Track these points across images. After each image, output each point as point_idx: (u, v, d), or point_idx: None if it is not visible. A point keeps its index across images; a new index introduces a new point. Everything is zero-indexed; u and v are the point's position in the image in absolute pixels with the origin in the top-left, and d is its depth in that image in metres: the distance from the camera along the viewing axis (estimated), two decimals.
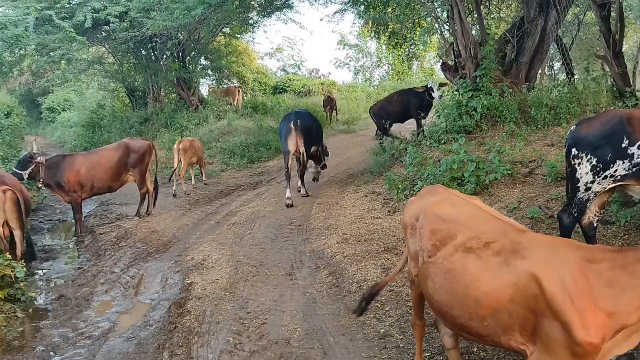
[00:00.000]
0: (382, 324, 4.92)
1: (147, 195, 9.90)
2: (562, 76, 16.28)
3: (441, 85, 12.51)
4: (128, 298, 6.23)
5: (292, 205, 9.44)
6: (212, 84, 26.25)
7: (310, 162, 10.52)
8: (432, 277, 3.20)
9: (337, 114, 20.86)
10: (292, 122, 9.45)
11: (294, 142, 9.36)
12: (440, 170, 8.17)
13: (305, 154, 9.56)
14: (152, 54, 21.31)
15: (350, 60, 31.79)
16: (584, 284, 2.58)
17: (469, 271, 2.97)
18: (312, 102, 22.55)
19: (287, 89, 27.14)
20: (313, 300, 5.58)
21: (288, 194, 9.58)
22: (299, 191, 10.27)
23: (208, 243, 7.90)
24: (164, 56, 21.32)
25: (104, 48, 21.77)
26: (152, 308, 5.86)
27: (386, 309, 5.21)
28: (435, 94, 12.23)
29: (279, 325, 5.06)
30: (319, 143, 10.41)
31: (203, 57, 23.67)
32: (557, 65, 20.19)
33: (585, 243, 5.35)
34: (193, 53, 22.25)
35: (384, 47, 30.24)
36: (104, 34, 19.73)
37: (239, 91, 22.22)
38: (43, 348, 5.04)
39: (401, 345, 4.51)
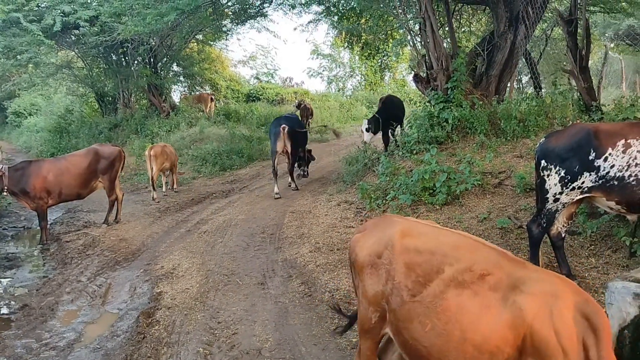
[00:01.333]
0: (354, 334, 4.89)
1: (116, 202, 9.71)
2: (531, 89, 16.67)
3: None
4: (95, 308, 6.08)
5: (279, 198, 10.56)
6: (184, 91, 26.03)
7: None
8: (420, 319, 2.78)
9: (309, 124, 20.89)
10: (282, 125, 10.43)
11: (282, 144, 10.34)
12: (412, 180, 8.24)
13: (291, 154, 10.55)
14: (123, 59, 21.03)
15: (323, 70, 31.94)
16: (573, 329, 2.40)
17: (467, 310, 2.62)
18: (286, 111, 22.53)
19: (260, 97, 27.06)
20: (285, 310, 5.54)
21: (276, 189, 10.70)
22: (290, 186, 11.34)
23: (178, 252, 7.79)
24: (135, 62, 21.06)
25: (73, 52, 21.39)
26: (120, 318, 5.73)
27: None
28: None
29: (250, 335, 5.01)
30: (304, 146, 11.57)
31: (175, 64, 23.44)
32: (525, 78, 20.69)
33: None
34: (165, 59, 22.02)
35: (357, 57, 30.49)
36: (73, 37, 19.40)
37: (211, 98, 22.06)
38: (5, 359, 4.87)
39: None
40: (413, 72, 12.14)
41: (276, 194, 10.54)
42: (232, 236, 8.34)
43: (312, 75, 32.01)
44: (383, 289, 3.03)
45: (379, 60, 30.03)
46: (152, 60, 20.83)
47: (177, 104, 22.75)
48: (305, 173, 12.37)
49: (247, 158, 15.37)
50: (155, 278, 6.77)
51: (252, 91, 27.81)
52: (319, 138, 19.55)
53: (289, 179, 11.33)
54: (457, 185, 7.96)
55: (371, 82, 30.03)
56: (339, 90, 31.50)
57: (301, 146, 11.29)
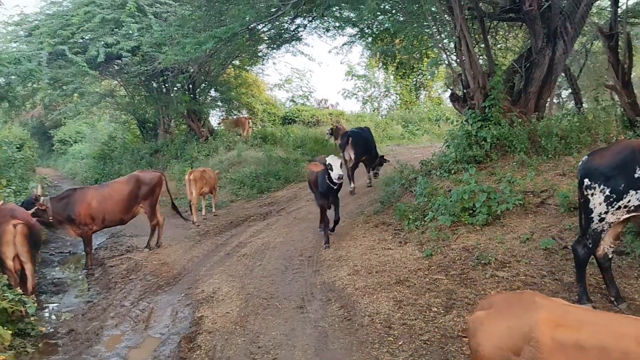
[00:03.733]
0: (395, 359, 4.83)
1: (157, 226, 9.91)
2: (571, 105, 16.32)
3: None
4: (138, 332, 6.18)
5: (354, 194, 12.46)
6: (224, 115, 26.51)
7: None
8: None
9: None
10: (347, 137, 12.31)
11: (348, 153, 12.14)
12: (451, 201, 8.13)
13: (354, 160, 12.21)
14: (163, 86, 21.64)
15: (358, 91, 32.06)
16: None
17: None
18: (321, 132, 22.67)
19: (296, 119, 27.34)
20: (325, 334, 5.51)
21: (351, 186, 12.57)
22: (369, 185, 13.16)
23: (218, 275, 7.86)
24: (175, 88, 21.63)
25: (116, 81, 22.13)
26: (162, 343, 5.80)
27: (399, 343, 5.12)
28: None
29: None
30: (371, 153, 12.85)
31: (213, 89, 23.96)
32: (565, 94, 20.27)
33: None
34: (203, 85, 22.55)
35: (391, 77, 30.54)
36: (116, 67, 20.09)
37: (248, 122, 22.41)
38: None
39: None
40: (450, 91, 12.05)
41: (352, 188, 12.58)
42: (271, 259, 8.38)
43: (347, 96, 32.20)
44: None
45: (414, 79, 30.00)
46: (190, 86, 21.35)
47: (216, 128, 23.20)
48: (377, 173, 13.34)
49: (284, 180, 15.48)
50: (196, 302, 6.84)
51: (288, 114, 28.13)
52: None
53: (367, 178, 13.31)
54: (497, 205, 7.81)
55: (406, 101, 29.96)
56: (374, 110, 31.53)
57: (366, 154, 12.68)
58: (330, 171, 8.20)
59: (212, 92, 24.43)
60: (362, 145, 12.33)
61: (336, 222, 9.17)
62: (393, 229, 9.01)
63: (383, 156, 13.38)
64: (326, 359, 4.95)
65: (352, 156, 12.08)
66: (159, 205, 10.02)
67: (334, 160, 8.30)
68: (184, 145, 20.40)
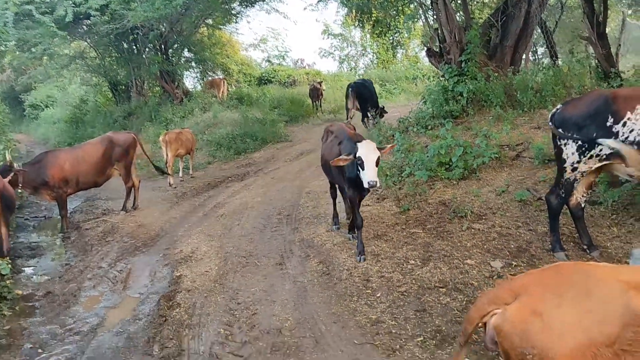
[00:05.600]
0: (373, 311, 4.90)
1: (132, 189, 9.78)
2: (547, 60, 16.33)
3: None
4: (116, 293, 6.14)
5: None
6: (198, 76, 26.09)
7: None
8: None
9: (321, 104, 20.78)
10: (350, 88, 13.42)
11: (352, 102, 13.06)
12: (428, 156, 8.17)
13: (361, 108, 13.16)
14: (134, 47, 21.05)
15: (334, 50, 31.66)
16: None
17: None
18: (298, 92, 22.43)
19: (272, 79, 26.95)
20: (304, 289, 5.55)
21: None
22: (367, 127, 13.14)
23: (196, 235, 7.83)
24: (147, 49, 21.06)
25: (85, 42, 21.45)
26: (141, 302, 5.78)
27: (377, 295, 5.19)
28: None
29: (270, 315, 5.03)
30: (373, 103, 13.47)
31: (186, 49, 23.40)
32: (541, 50, 20.27)
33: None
34: (176, 45, 21.99)
35: (368, 35, 30.12)
36: (85, 28, 19.41)
37: (223, 83, 22.03)
38: (31, 345, 4.95)
39: (393, 331, 4.50)
40: (426, 47, 11.94)
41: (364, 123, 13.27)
42: (249, 219, 8.36)
43: (323, 55, 31.80)
44: None
45: (391, 38, 29.65)
46: (163, 47, 20.82)
47: (191, 89, 22.81)
48: (376, 121, 13.40)
49: (261, 141, 15.35)
50: (175, 262, 6.82)
51: (264, 74, 27.70)
52: (332, 119, 19.46)
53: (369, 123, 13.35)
54: (474, 159, 7.87)
55: (383, 60, 29.68)
56: (351, 70, 31.21)
57: (369, 104, 13.39)
58: (360, 169, 5.51)
59: (186, 53, 23.88)
60: (365, 95, 13.36)
61: (356, 225, 6.22)
62: None
63: (383, 107, 13.99)
64: (305, 313, 5.00)
65: (358, 105, 13.08)
66: (134, 168, 9.86)
67: (368, 151, 5.45)
68: (158, 108, 20.00)
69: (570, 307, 1.84)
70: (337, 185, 7.17)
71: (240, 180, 11.57)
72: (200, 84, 24.80)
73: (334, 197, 7.43)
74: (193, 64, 25.00)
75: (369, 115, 13.53)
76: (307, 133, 17.00)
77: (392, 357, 4.11)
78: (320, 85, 20.83)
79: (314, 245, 6.84)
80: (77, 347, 4.89)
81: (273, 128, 16.37)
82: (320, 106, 20.70)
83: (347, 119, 13.36)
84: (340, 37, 31.41)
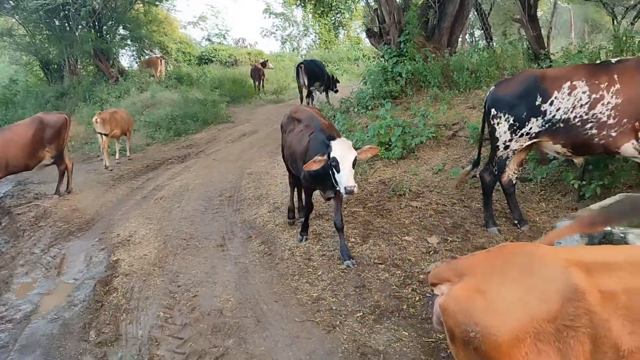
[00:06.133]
0: (315, 289, 4.95)
1: (66, 172, 9.39)
2: (483, 42, 16.78)
3: None
4: (50, 279, 5.92)
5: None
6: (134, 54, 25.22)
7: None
8: None
9: (264, 85, 20.57)
10: (300, 66, 13.91)
11: (302, 79, 13.50)
12: (368, 136, 8.27)
13: (307, 86, 13.71)
14: (66, 24, 20.03)
15: (276, 30, 31.34)
16: None
17: None
18: (240, 72, 22.09)
19: (212, 59, 26.40)
20: (245, 270, 5.53)
21: (306, 101, 13.73)
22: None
23: (134, 219, 7.64)
24: (79, 26, 20.08)
25: (13, 19, 20.22)
26: (77, 287, 5.60)
27: (319, 273, 5.24)
28: None
29: (211, 296, 4.99)
30: (322, 79, 14.16)
31: (121, 27, 22.48)
32: (478, 32, 20.80)
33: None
34: (110, 22, 21.09)
35: (310, 15, 29.96)
36: (12, 3, 18.30)
37: (161, 62, 21.38)
38: None
39: (334, 308, 4.56)
40: (366, 28, 12.01)
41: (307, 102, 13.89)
42: (190, 201, 8.23)
43: (265, 35, 31.44)
44: None
45: (333, 18, 29.60)
46: (96, 24, 19.94)
47: (127, 68, 22.02)
48: (337, 90, 14.36)
49: (202, 122, 15.06)
50: (112, 246, 6.63)
51: (204, 53, 27.08)
52: (274, 99, 19.34)
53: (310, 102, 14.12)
54: (412, 138, 8.04)
55: (326, 41, 29.64)
56: (293, 50, 31.01)
57: (319, 80, 14.04)
58: (335, 172, 4.78)
59: (121, 30, 22.92)
60: (314, 73, 13.83)
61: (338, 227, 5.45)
62: None
63: (334, 76, 14.71)
64: (247, 293, 4.99)
65: (306, 82, 13.57)
66: (66, 150, 9.46)
67: (343, 152, 4.75)
68: (93, 87, 19.20)
69: (513, 285, 1.87)
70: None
71: (181, 162, 11.33)
72: (137, 63, 23.99)
73: (292, 184, 6.69)
74: (129, 42, 24.09)
75: (322, 92, 14.09)
76: (250, 114, 16.82)
77: (332, 333, 4.18)
78: (266, 65, 20.60)
79: (255, 226, 6.82)
80: (10, 335, 4.70)
81: (214, 109, 16.07)
82: (263, 87, 20.50)
83: (304, 97, 13.89)
84: (282, 17, 31.09)
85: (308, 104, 13.69)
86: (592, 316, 1.76)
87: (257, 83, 20.28)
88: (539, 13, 20.81)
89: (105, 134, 10.96)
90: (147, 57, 23.76)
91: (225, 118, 15.91)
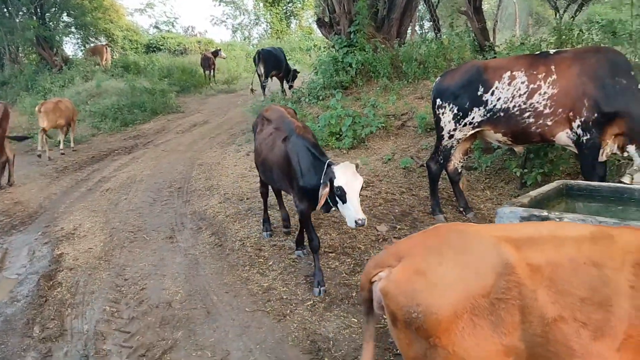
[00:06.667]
0: (265, 279, 4.96)
1: (7, 163, 9.02)
2: (432, 34, 17.07)
3: None
4: None
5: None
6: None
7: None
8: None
9: (215, 74, 20.27)
10: (258, 54, 13.49)
11: (261, 67, 13.18)
12: (319, 126, 8.30)
13: (264, 74, 13.33)
14: (5, 10, 19.15)
15: (227, 18, 30.93)
16: None
17: None
18: (189, 61, 21.69)
19: (161, 47, 25.81)
20: (195, 262, 5.48)
21: (265, 92, 13.38)
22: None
23: (79, 211, 7.42)
24: (20, 12, 19.26)
25: None
26: (19, 283, 5.41)
27: (269, 264, 5.25)
28: None
29: (159, 289, 4.92)
30: (281, 69, 13.76)
31: (65, 14, 21.70)
32: (428, 23, 21.13)
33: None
34: (53, 9, 20.35)
35: (261, 4, 29.68)
36: None
37: (107, 50, 20.74)
38: None
39: (284, 297, 4.59)
40: (317, 17, 12.01)
41: (263, 95, 13.45)
42: (138, 192, 8.06)
43: (215, 23, 31.06)
44: (510, 339, 1.86)
45: (284, 7, 29.43)
46: (38, 10, 19.20)
47: (70, 57, 21.27)
48: (292, 85, 13.90)
49: (151, 112, 14.76)
50: (55, 240, 6.43)
51: (152, 41, 26.44)
52: (226, 89, 19.12)
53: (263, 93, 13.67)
54: (362, 128, 8.12)
55: (277, 30, 29.44)
56: (245, 39, 30.69)
57: (276, 69, 13.66)
58: (340, 202, 4.16)
59: (65, 17, 22.15)
60: (272, 61, 13.39)
61: (312, 248, 4.78)
62: None
63: (295, 69, 14.21)
64: (196, 285, 4.95)
65: (263, 70, 13.22)
66: (7, 141, 9.08)
67: (349, 179, 4.10)
68: (35, 76, 18.51)
69: (450, 263, 1.94)
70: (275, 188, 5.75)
71: (128, 153, 11.08)
72: (82, 51, 23.24)
73: (265, 196, 6.00)
74: (73, 29, 23.27)
75: (287, 81, 13.96)
76: (200, 104, 16.60)
77: (282, 321, 4.20)
78: (218, 55, 20.30)
79: (206, 217, 6.76)
80: None
81: (163, 98, 15.76)
82: (214, 76, 20.22)
83: (262, 85, 13.73)
84: (232, 5, 30.71)
85: (264, 93, 13.57)
86: (522, 288, 1.85)
87: (207, 72, 19.98)
88: (486, 6, 21.33)
89: (45, 128, 10.56)
90: (92, 45, 23.03)
91: (174, 108, 15.63)
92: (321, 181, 4.21)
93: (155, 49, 25.56)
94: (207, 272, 5.24)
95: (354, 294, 4.50)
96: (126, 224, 6.75)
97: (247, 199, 7.22)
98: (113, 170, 9.65)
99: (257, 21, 31.02)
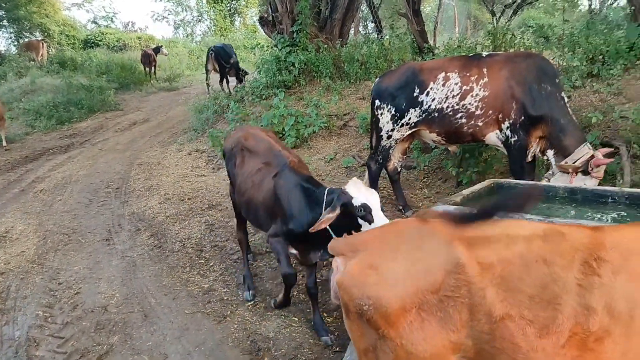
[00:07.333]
0: (206, 280, 4.92)
1: None
2: (376, 35, 17.34)
3: None
4: None
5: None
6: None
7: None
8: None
9: (156, 71, 19.84)
10: (210, 51, 13.48)
11: (211, 64, 13.26)
12: (261, 125, 8.28)
13: (220, 71, 13.30)
14: None
15: (169, 14, 30.31)
16: None
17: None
18: (129, 58, 21.12)
19: (99, 43, 25.00)
20: (133, 264, 5.37)
21: (210, 91, 13.40)
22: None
23: (11, 213, 7.11)
24: None
25: None
26: None
27: (210, 264, 5.22)
28: None
29: (94, 293, 4.79)
30: (231, 66, 13.45)
31: None
32: (371, 25, 21.42)
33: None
34: None
35: (204, 1, 29.26)
36: None
37: (42, 45, 19.92)
38: None
39: (225, 298, 4.57)
40: (260, 16, 11.97)
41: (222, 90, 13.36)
42: (73, 193, 7.80)
43: (157, 19, 30.37)
44: (458, 336, 1.91)
45: (228, 5, 29.12)
46: None
47: (2, 52, 20.31)
48: (242, 81, 13.59)
49: (88, 110, 14.28)
50: None
51: (90, 37, 25.58)
52: (167, 87, 18.75)
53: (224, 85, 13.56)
54: (305, 128, 8.17)
55: (221, 28, 29.10)
56: (187, 36, 30.18)
57: (228, 67, 13.45)
58: (367, 223, 3.40)
59: None
60: (223, 58, 13.35)
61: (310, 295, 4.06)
62: (207, 155, 8.97)
63: (245, 70, 14.07)
64: (134, 288, 4.85)
65: (216, 67, 13.34)
66: None
67: (368, 195, 3.46)
68: None
69: (403, 260, 1.97)
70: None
71: (64, 152, 10.69)
72: (15, 47, 22.19)
73: (245, 244, 4.95)
74: (5, 22, 22.22)
75: (239, 78, 13.71)
76: (141, 102, 16.21)
77: (222, 323, 4.18)
78: (159, 51, 19.86)
79: (145, 218, 6.63)
80: None
81: (101, 96, 15.28)
82: (155, 73, 19.79)
83: (206, 80, 13.85)
84: (174, 1, 30.10)
85: (222, 88, 13.49)
86: (471, 287, 1.88)
87: (148, 69, 19.54)
88: (427, 8, 21.84)
89: None
90: (26, 40, 22.05)
91: (113, 105, 15.19)
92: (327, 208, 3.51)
93: (93, 44, 24.74)
94: (145, 274, 5.15)
95: (295, 293, 4.53)
96: (61, 226, 6.53)
97: (189, 199, 7.12)
98: (47, 170, 9.29)
99: (200, 18, 30.58)
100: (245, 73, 13.87)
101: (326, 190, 3.68)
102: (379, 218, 3.39)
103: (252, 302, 4.45)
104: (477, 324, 1.88)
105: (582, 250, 1.92)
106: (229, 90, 13.13)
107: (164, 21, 30.43)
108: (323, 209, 3.56)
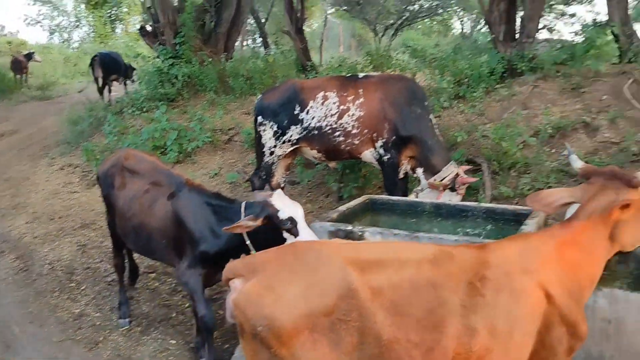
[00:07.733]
0: (77, 304, 4.66)
1: None
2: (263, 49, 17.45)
3: None
4: None
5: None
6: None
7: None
8: None
9: (27, 79, 18.48)
10: (95, 58, 12.70)
11: (98, 71, 12.43)
12: (142, 139, 8.01)
13: (104, 79, 12.57)
14: None
15: (43, 18, 28.39)
16: None
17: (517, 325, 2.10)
18: None
19: None
20: None
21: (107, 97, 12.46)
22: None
23: None
24: None
25: None
26: None
27: (82, 288, 4.95)
28: None
29: None
30: (119, 72, 13.06)
31: None
32: (259, 39, 21.55)
33: None
34: None
35: (83, 6, 27.77)
36: None
37: None
38: None
39: (98, 323, 4.36)
40: (140, 26, 11.60)
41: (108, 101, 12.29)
42: None
43: (29, 23, 28.32)
44: (349, 358, 1.97)
45: (109, 11, 27.85)
46: None
47: None
48: (134, 80, 13.05)
49: None
50: None
51: None
52: (40, 95, 17.48)
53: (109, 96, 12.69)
54: (188, 142, 8.02)
55: (101, 34, 27.74)
56: (64, 42, 28.44)
57: (115, 73, 12.94)
58: (292, 236, 3.31)
59: None
60: (110, 64, 12.79)
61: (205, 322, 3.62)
62: (81, 170, 8.49)
63: (130, 64, 13.70)
64: None
65: (101, 74, 12.60)
66: None
67: (292, 208, 3.38)
68: None
69: (299, 282, 2.01)
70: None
71: None
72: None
73: (122, 270, 4.54)
74: None
75: (120, 83, 13.33)
76: (9, 111, 15.00)
77: (94, 350, 3.97)
78: (32, 58, 18.49)
79: (10, 239, 6.18)
80: None
81: None
82: (26, 81, 18.45)
83: (98, 87, 12.94)
84: (50, 5, 28.28)
85: (102, 97, 12.70)
86: (362, 311, 1.94)
87: (18, 77, 18.16)
88: (314, 25, 22.40)
89: None
90: None
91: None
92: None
93: None
94: (9, 300, 4.79)
95: (173, 315, 4.42)
96: None
97: (60, 217, 6.70)
98: None
99: (77, 23, 28.94)
100: (133, 69, 13.47)
101: (243, 204, 3.50)
102: (305, 231, 3.34)
103: (126, 327, 4.26)
104: (367, 347, 1.94)
105: (468, 272, 2.07)
106: (109, 101, 12.49)
107: (38, 26, 28.40)
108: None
